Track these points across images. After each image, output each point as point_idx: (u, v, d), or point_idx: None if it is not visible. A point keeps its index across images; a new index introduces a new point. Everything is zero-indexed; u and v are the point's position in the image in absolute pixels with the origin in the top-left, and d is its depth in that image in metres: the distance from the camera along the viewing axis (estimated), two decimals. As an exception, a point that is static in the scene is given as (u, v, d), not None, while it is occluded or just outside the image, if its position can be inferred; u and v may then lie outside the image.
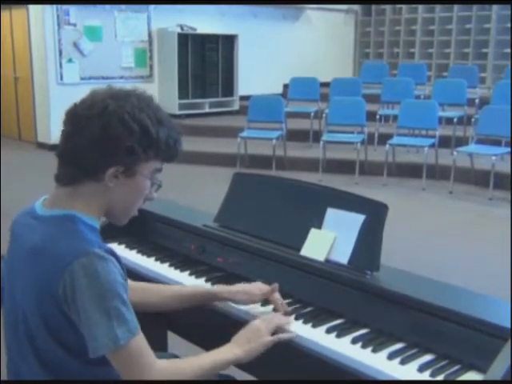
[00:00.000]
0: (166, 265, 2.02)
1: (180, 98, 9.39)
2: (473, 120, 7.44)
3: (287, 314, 1.64)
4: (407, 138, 7.52)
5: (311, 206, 1.85)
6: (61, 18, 8.54)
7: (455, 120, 7.61)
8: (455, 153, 6.62)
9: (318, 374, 1.52)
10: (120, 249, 2.15)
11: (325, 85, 8.82)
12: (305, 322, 1.61)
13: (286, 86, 9.43)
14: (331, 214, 1.79)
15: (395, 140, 7.04)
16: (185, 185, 6.60)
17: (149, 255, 2.10)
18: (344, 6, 11.72)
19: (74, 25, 8.67)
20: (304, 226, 1.82)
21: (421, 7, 10.90)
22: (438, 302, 1.50)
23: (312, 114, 8.23)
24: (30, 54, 8.96)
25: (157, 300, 1.68)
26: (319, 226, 1.80)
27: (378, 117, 8.05)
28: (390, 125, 8.22)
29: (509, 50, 9.76)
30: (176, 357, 1.75)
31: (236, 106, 10.05)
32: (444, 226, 5.44)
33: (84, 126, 1.31)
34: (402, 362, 1.43)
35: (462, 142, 7.50)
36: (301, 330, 1.58)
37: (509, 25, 9.79)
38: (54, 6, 8.44)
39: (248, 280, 1.86)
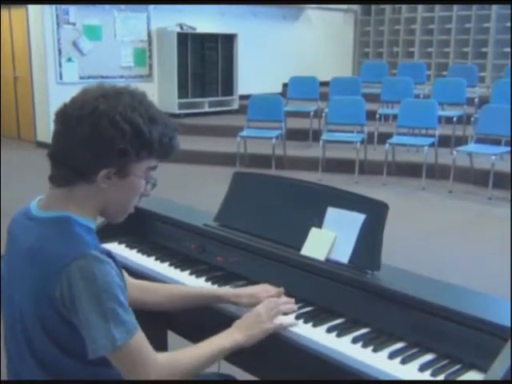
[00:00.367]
0: (166, 264, 2.01)
1: (180, 97, 9.39)
2: (472, 119, 7.44)
3: (293, 311, 1.65)
4: (407, 137, 7.52)
5: (311, 206, 1.84)
6: (60, 18, 8.54)
7: (455, 119, 7.61)
8: (455, 152, 6.63)
9: (319, 374, 1.52)
10: (120, 248, 2.15)
11: (324, 84, 8.82)
12: (305, 322, 1.61)
13: (285, 86, 9.43)
14: (332, 213, 1.78)
15: (395, 139, 7.04)
16: (184, 184, 6.60)
17: (149, 254, 2.10)
18: (343, 6, 11.72)
19: (74, 24, 8.66)
20: (304, 225, 1.82)
21: (420, 6, 10.89)
22: (438, 301, 1.50)
23: (312, 114, 8.23)
24: (29, 53, 8.96)
25: (163, 299, 1.68)
26: (319, 226, 1.80)
27: (377, 116, 8.05)
28: (389, 124, 8.22)
29: (508, 49, 9.77)
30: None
31: (235, 106, 10.05)
32: (444, 226, 5.44)
33: (75, 126, 1.29)
34: (403, 362, 1.43)
35: (461, 141, 7.49)
36: (301, 329, 1.58)
37: (508, 24, 9.79)
38: (54, 5, 8.44)
39: (248, 279, 1.86)
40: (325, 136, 7.27)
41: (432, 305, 1.50)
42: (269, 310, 1.54)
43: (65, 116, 1.33)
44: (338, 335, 1.55)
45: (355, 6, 11.93)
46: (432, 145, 6.82)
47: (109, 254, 1.31)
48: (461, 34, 10.49)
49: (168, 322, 2.06)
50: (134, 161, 1.32)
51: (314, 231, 1.80)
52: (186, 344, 1.96)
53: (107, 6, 8.85)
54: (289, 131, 7.88)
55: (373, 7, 11.70)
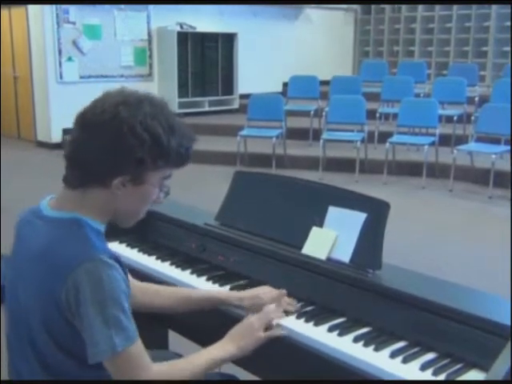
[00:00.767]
0: (167, 263, 2.01)
1: (180, 96, 9.38)
2: (472, 118, 7.44)
3: (297, 311, 1.65)
4: (407, 136, 7.53)
5: (313, 205, 1.84)
6: (60, 17, 8.53)
7: (455, 118, 7.60)
8: (455, 151, 6.62)
9: (320, 373, 1.52)
10: (121, 248, 2.15)
11: (324, 83, 8.81)
12: (306, 321, 1.61)
13: (285, 85, 9.42)
14: (333, 212, 1.78)
15: (395, 138, 7.04)
16: (184, 183, 6.57)
17: (150, 254, 2.10)
18: (344, 5, 11.71)
19: (74, 23, 8.65)
20: (305, 224, 1.82)
21: (420, 5, 10.88)
22: (439, 300, 1.50)
23: (312, 113, 8.23)
24: (29, 52, 8.95)
25: (166, 302, 1.68)
26: (321, 225, 1.80)
27: (377, 115, 8.04)
28: (389, 123, 8.21)
29: (508, 49, 9.76)
30: (177, 355, 1.76)
31: (236, 105, 10.05)
32: (444, 225, 5.44)
33: (94, 132, 1.29)
34: (404, 361, 1.43)
35: (461, 140, 7.50)
36: (303, 328, 1.58)
37: (508, 23, 9.79)
38: (54, 5, 8.43)
39: (249, 278, 1.86)
40: (325, 135, 7.26)
41: (433, 304, 1.50)
42: (260, 319, 1.54)
43: (85, 120, 1.32)
44: (340, 334, 1.55)
45: (355, 5, 11.93)
46: (432, 144, 6.82)
47: (117, 259, 1.31)
48: (461, 33, 10.49)
49: (169, 321, 2.05)
50: (150, 169, 1.33)
51: (315, 230, 1.80)
52: (187, 342, 1.97)
53: (107, 6, 8.84)
54: (289, 130, 7.88)
55: (373, 6, 11.69)
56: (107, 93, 1.35)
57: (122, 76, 9.09)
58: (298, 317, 1.63)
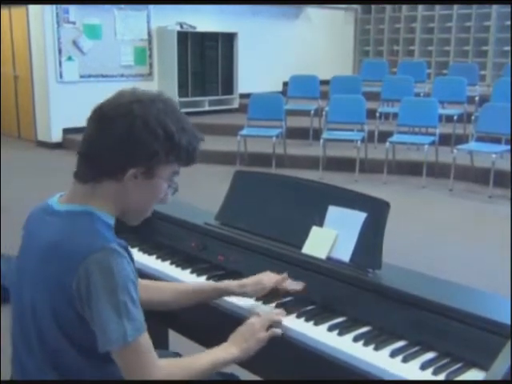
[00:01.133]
0: (167, 263, 2.02)
1: (180, 96, 9.38)
2: (473, 118, 7.44)
3: (304, 291, 1.68)
4: (407, 135, 7.53)
5: (313, 204, 1.84)
6: (60, 17, 8.53)
7: (455, 118, 7.60)
8: (455, 151, 6.62)
9: (320, 372, 1.52)
10: (121, 247, 2.15)
11: (325, 83, 8.82)
12: (307, 320, 1.61)
13: (285, 84, 9.42)
14: (333, 211, 1.78)
15: (395, 138, 7.04)
16: (184, 183, 6.55)
17: (150, 253, 2.10)
18: (344, 4, 11.71)
19: (74, 23, 8.66)
20: (305, 223, 1.82)
21: (420, 5, 10.89)
22: (439, 299, 1.50)
23: (312, 112, 8.23)
24: (29, 52, 8.96)
25: (168, 298, 1.69)
26: (321, 224, 1.80)
27: (377, 114, 8.04)
28: (390, 122, 8.21)
29: (509, 48, 9.75)
30: (177, 354, 1.77)
31: (236, 104, 10.05)
32: (444, 224, 5.44)
33: (109, 126, 1.33)
34: (404, 360, 1.43)
35: (461, 139, 7.50)
36: (302, 327, 1.58)
37: (509, 22, 9.78)
38: (54, 4, 8.43)
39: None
40: (325, 134, 7.26)
41: (433, 303, 1.50)
42: (262, 319, 1.55)
43: (101, 115, 1.36)
44: (340, 334, 1.55)
45: (355, 5, 11.93)
46: (432, 143, 6.82)
47: (127, 250, 1.34)
48: (461, 33, 10.49)
49: (169, 320, 2.06)
50: (162, 163, 1.37)
51: (315, 230, 1.80)
52: (187, 342, 1.97)
53: (107, 5, 8.83)
54: (289, 130, 7.88)
55: (373, 5, 11.68)
56: (121, 92, 1.40)
57: (122, 75, 9.09)
58: (298, 316, 1.63)
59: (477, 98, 8.17)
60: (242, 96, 9.69)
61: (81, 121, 1.65)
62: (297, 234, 1.82)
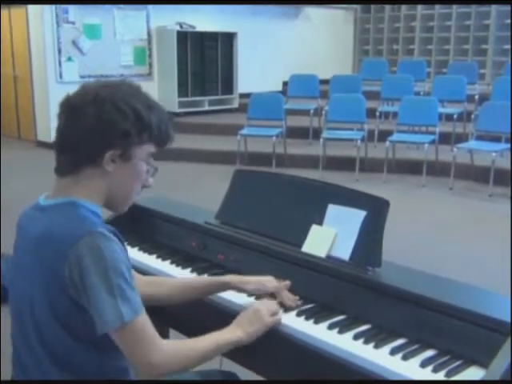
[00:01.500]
0: (168, 262, 2.02)
1: (179, 95, 9.38)
2: (472, 116, 7.44)
3: (298, 306, 1.67)
4: (407, 134, 7.53)
5: (312, 203, 1.85)
6: (60, 17, 8.53)
7: (455, 116, 7.60)
8: (455, 149, 6.63)
9: (320, 371, 1.52)
10: (121, 246, 2.15)
11: (324, 82, 8.81)
12: (307, 319, 1.61)
13: (285, 84, 9.42)
14: (332, 210, 1.79)
15: (395, 137, 7.04)
16: (185, 183, 6.60)
17: (150, 253, 2.10)
18: (344, 4, 11.70)
19: (73, 23, 8.66)
20: (305, 222, 1.82)
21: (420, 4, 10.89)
22: (439, 297, 1.51)
23: (312, 111, 8.23)
24: (29, 52, 8.96)
25: (171, 291, 1.69)
26: (320, 223, 1.80)
27: (377, 114, 8.05)
28: (389, 121, 8.21)
29: (508, 47, 9.75)
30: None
31: (235, 104, 10.04)
32: (444, 223, 5.44)
33: (79, 113, 1.35)
34: (404, 358, 1.43)
35: (461, 138, 7.50)
36: (303, 326, 1.58)
37: (508, 21, 9.79)
38: (53, 5, 8.43)
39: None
40: (325, 134, 7.26)
41: (433, 301, 1.50)
42: (267, 305, 1.57)
43: (68, 105, 1.38)
44: (340, 332, 1.55)
45: (355, 4, 11.92)
46: (432, 142, 6.82)
47: (115, 234, 1.35)
48: (461, 31, 10.49)
49: (169, 319, 2.06)
50: (136, 143, 1.38)
51: (314, 228, 1.80)
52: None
53: (107, 5, 8.83)
54: (289, 129, 7.88)
55: (372, 5, 11.68)
56: (84, 84, 1.42)
57: (121, 75, 9.07)
58: (298, 314, 1.63)
59: (477, 97, 8.17)
60: (242, 96, 9.68)
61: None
62: (297, 233, 1.83)
